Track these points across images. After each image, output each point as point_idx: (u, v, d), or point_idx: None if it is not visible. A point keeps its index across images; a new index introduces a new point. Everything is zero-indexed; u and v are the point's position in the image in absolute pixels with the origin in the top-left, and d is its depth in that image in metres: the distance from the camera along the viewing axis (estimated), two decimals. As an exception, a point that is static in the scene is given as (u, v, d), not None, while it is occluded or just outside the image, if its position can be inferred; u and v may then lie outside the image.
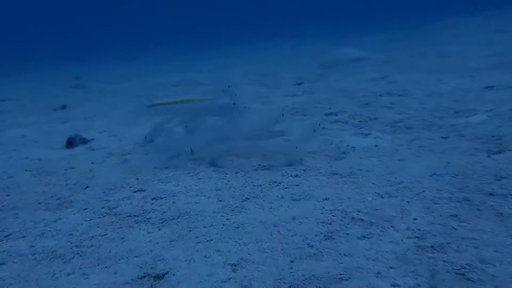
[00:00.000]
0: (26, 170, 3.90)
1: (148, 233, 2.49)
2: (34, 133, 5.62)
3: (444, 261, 1.88)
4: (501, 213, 2.23)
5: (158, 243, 2.36)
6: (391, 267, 1.90)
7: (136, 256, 2.23)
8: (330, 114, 4.97)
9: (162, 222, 2.60)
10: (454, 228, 2.12)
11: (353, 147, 3.79)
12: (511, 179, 2.61)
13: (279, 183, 3.08)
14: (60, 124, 6.16)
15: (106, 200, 2.97)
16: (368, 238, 2.16)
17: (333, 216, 2.45)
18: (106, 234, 2.50)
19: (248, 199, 2.83)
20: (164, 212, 2.72)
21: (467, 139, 3.48)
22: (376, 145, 3.77)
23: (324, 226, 2.34)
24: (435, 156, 3.25)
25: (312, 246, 2.16)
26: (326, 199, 2.70)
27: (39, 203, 3.04)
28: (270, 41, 19.24)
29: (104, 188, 3.22)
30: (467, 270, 1.80)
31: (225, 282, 1.94)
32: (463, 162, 2.95)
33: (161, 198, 2.93)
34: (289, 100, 6.11)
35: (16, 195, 3.27)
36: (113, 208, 2.84)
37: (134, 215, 2.71)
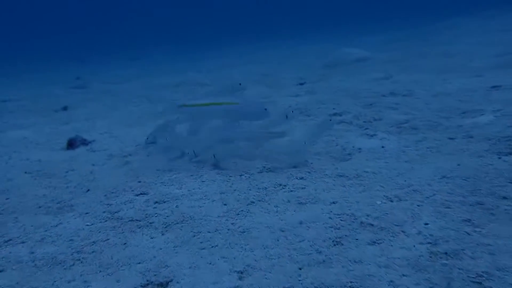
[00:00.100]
0: (26, 173, 3.84)
1: (151, 238, 2.42)
2: (35, 135, 5.56)
3: (459, 269, 1.81)
4: (515, 218, 2.16)
5: (161, 249, 2.29)
6: (403, 275, 1.83)
7: (139, 263, 2.17)
8: (334, 114, 4.90)
9: (165, 227, 2.53)
10: (468, 234, 2.05)
11: (359, 149, 3.72)
12: (524, 182, 2.54)
13: (285, 185, 3.02)
14: (61, 125, 6.10)
15: (108, 204, 2.91)
16: (378, 243, 2.09)
17: (341, 220, 2.38)
18: (108, 239, 2.44)
19: (253, 202, 2.76)
20: (167, 216, 2.65)
21: (476, 140, 3.41)
22: (383, 147, 3.70)
23: (332, 231, 2.27)
24: (443, 158, 3.17)
25: (320, 252, 2.09)
26: (333, 203, 2.63)
27: (39, 207, 2.98)
28: (270, 41, 19.18)
29: (105, 191, 3.16)
30: (484, 278, 1.73)
31: (231, 290, 1.87)
32: (474, 164, 2.88)
33: (164, 202, 2.86)
34: (292, 100, 6.04)
35: (16, 198, 3.21)
36: (115, 212, 2.77)
37: (137, 220, 2.65)
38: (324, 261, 2.01)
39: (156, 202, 2.88)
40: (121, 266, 2.15)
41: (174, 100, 7.26)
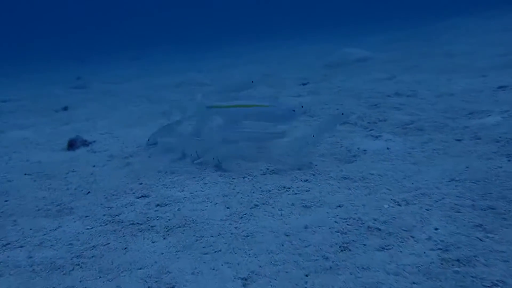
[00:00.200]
0: (26, 174, 3.78)
1: (153, 242, 2.36)
2: (35, 135, 5.51)
3: (473, 277, 1.75)
4: (528, 223, 2.09)
5: (163, 253, 2.23)
6: (414, 283, 1.77)
7: (140, 268, 2.10)
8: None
9: (167, 231, 2.47)
10: (480, 240, 1.99)
11: (364, 150, 3.66)
12: (535, 185, 2.47)
13: (289, 188, 2.95)
14: (61, 126, 6.04)
15: (108, 207, 2.85)
16: (387, 249, 2.03)
17: (348, 225, 2.31)
18: (108, 243, 2.38)
19: (257, 205, 2.69)
20: (169, 220, 2.59)
21: (484, 142, 3.34)
22: (388, 148, 3.64)
23: (339, 236, 2.21)
24: (451, 160, 3.11)
25: (327, 258, 2.02)
26: (339, 206, 2.57)
27: (39, 210, 2.92)
28: (270, 41, 19.11)
29: (106, 194, 3.10)
30: (499, 287, 1.67)
31: (235, 297, 1.81)
32: (483, 167, 2.81)
33: (166, 205, 2.80)
34: (294, 101, 5.97)
35: (15, 200, 3.15)
36: (116, 215, 2.71)
37: (138, 223, 2.58)
38: (331, 267, 1.94)
39: (158, 205, 2.82)
40: (122, 271, 2.09)
41: (174, 100, 7.22)
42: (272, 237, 2.28)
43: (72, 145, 4.61)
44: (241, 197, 2.83)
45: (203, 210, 2.70)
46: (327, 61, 9.80)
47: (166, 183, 3.20)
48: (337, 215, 2.44)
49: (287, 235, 2.28)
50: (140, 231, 2.49)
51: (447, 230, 2.10)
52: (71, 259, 2.23)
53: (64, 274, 2.11)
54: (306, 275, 1.91)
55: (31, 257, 2.27)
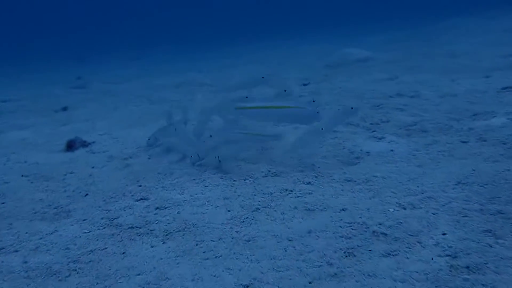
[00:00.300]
0: (23, 176, 3.72)
1: (151, 247, 2.30)
2: (34, 136, 5.45)
3: (483, 285, 1.68)
4: (539, 228, 2.03)
5: (162, 258, 2.17)
6: (422, 291, 1.71)
7: (138, 274, 2.04)
8: (341, 116, 4.77)
9: (166, 235, 2.41)
10: (490, 246, 1.92)
11: (367, 152, 3.60)
12: (544, 189, 2.41)
13: (291, 191, 2.89)
14: (60, 126, 5.99)
15: (107, 210, 2.78)
16: (393, 255, 1.97)
17: (352, 229, 2.25)
18: (106, 248, 2.31)
19: (259, 209, 2.63)
20: (169, 224, 2.53)
21: (490, 144, 3.28)
22: (392, 150, 3.57)
23: (343, 241, 2.14)
24: (457, 162, 3.04)
25: (331, 265, 1.96)
26: (343, 210, 2.50)
27: (35, 213, 2.85)
28: (270, 42, 19.04)
29: (104, 196, 3.03)
30: (511, 296, 1.61)
31: (237, 305, 1.75)
32: (490, 170, 2.75)
33: (165, 208, 2.74)
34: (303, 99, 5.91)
35: (12, 202, 3.09)
36: (114, 218, 2.65)
37: (136, 227, 2.52)
38: (335, 274, 1.88)
39: (157, 208, 2.75)
40: (120, 277, 2.03)
41: (174, 100, 7.16)
42: (275, 242, 2.22)
43: (71, 146, 4.55)
44: (243, 200, 2.77)
45: (203, 213, 2.63)
46: (328, 61, 9.74)
47: (166, 185, 3.14)
48: (341, 219, 2.38)
49: (290, 240, 2.22)
50: (139, 235, 2.43)
51: (455, 236, 2.04)
52: (68, 264, 2.17)
53: (60, 280, 2.05)
54: (310, 282, 1.85)
55: (26, 262, 2.21)
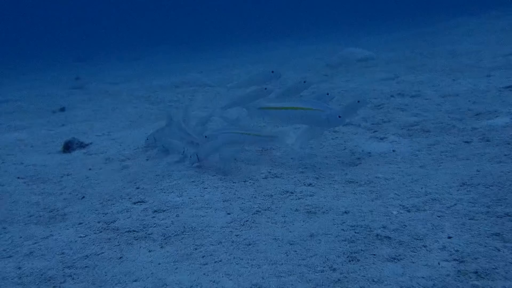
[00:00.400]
0: (19, 178, 3.65)
1: (149, 251, 2.24)
2: (31, 137, 5.39)
3: (493, 291, 1.62)
4: (547, 231, 1.97)
5: (160, 264, 2.11)
6: (429, 297, 1.65)
7: (135, 280, 1.98)
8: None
9: (164, 239, 2.35)
10: (498, 250, 1.86)
11: (369, 152, 3.54)
12: (551, 190, 2.35)
13: (292, 192, 2.83)
14: (58, 127, 5.92)
15: (103, 213, 2.72)
16: (398, 260, 1.91)
17: (355, 233, 2.19)
18: (102, 252, 2.25)
19: (259, 211, 2.57)
20: (167, 227, 2.46)
21: (494, 144, 3.22)
22: (393, 150, 3.52)
23: (346, 245, 2.08)
24: (460, 163, 2.99)
25: (334, 270, 1.90)
26: (345, 212, 2.44)
27: (30, 216, 2.79)
28: (270, 42, 18.98)
29: (101, 199, 2.97)
30: (522, 303, 1.54)
31: (237, 313, 1.69)
32: (495, 171, 2.69)
33: (164, 211, 2.68)
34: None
35: (7, 205, 3.02)
36: (111, 222, 2.58)
37: (134, 231, 2.46)
38: (339, 280, 1.82)
39: (155, 211, 2.69)
40: (116, 284, 1.96)
41: (174, 101, 7.10)
42: (276, 246, 2.16)
43: (68, 147, 4.48)
44: (242, 203, 2.71)
45: (202, 216, 2.57)
46: (329, 61, 9.68)
47: (164, 187, 3.07)
48: (344, 222, 2.32)
49: (292, 244, 2.16)
50: (136, 239, 2.36)
51: (462, 239, 1.98)
52: (63, 270, 2.11)
53: (54, 286, 1.98)
54: (313, 288, 1.79)
55: (19, 268, 2.14)
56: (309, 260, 1.99)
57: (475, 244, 1.92)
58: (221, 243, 2.24)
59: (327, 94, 3.67)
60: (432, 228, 2.12)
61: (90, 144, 4.57)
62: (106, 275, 2.04)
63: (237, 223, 2.44)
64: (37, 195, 3.21)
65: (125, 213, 2.70)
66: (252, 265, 2.01)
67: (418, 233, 2.09)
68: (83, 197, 3.07)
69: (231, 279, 1.91)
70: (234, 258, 2.09)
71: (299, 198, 2.73)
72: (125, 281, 1.98)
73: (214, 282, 1.90)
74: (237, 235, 2.31)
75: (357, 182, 2.93)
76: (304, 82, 3.83)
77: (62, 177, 3.61)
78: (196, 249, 2.21)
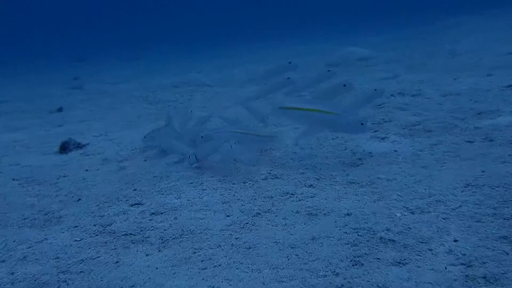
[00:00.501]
0: (14, 179, 3.59)
1: (146, 255, 2.18)
2: (27, 138, 5.32)
3: (503, 297, 1.57)
4: (557, 233, 1.91)
5: (157, 268, 2.05)
6: (436, 303, 1.59)
7: (132, 286, 1.92)
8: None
9: (162, 242, 2.29)
10: (507, 253, 1.80)
11: (370, 153, 3.48)
12: (558, 191, 2.29)
13: (292, 194, 2.77)
14: (55, 128, 5.87)
15: (100, 216, 2.66)
16: (403, 264, 1.85)
17: (358, 235, 2.13)
18: (98, 257, 2.19)
19: (259, 214, 2.51)
20: (165, 230, 2.40)
21: (498, 144, 3.16)
22: (395, 150, 3.46)
23: (349, 249, 2.02)
24: (464, 164, 2.93)
25: (338, 274, 1.84)
26: (347, 215, 2.38)
27: (25, 219, 2.72)
28: (269, 41, 18.92)
29: (97, 201, 2.91)
30: (533, 310, 1.49)
31: (237, 320, 1.63)
32: (501, 171, 2.63)
33: (161, 213, 2.61)
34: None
35: (1, 208, 2.96)
36: (107, 225, 2.52)
37: (131, 234, 2.40)
38: (342, 285, 1.76)
39: (153, 213, 2.63)
40: (112, 289, 1.90)
41: (173, 101, 7.04)
42: (277, 250, 2.10)
43: (64, 148, 4.42)
44: (242, 205, 2.65)
45: (201, 218, 2.51)
46: (329, 60, 9.62)
47: (162, 189, 3.01)
48: (346, 225, 2.26)
49: (293, 247, 2.10)
50: (133, 243, 2.30)
51: (468, 243, 1.92)
52: (57, 275, 2.05)
53: (48, 292, 1.92)
54: (315, 294, 1.73)
55: (13, 273, 2.08)
56: (311, 264, 1.93)
57: (483, 247, 1.86)
58: (220, 246, 2.18)
59: (344, 85, 3.61)
60: (437, 231, 2.06)
61: (87, 145, 4.51)
62: (102, 280, 1.98)
63: (237, 226, 2.38)
64: (32, 197, 3.15)
65: (122, 215, 2.63)
66: (252, 269, 1.95)
67: (423, 236, 2.04)
68: (79, 199, 3.01)
69: (231, 285, 1.85)
70: (234, 262, 2.03)
71: (300, 200, 2.67)
72: (121, 287, 1.91)
73: (213, 287, 1.84)
74: (237, 238, 2.25)
75: (358, 183, 2.87)
76: (329, 71, 3.76)
77: (58, 178, 3.54)
78: (194, 252, 2.15)
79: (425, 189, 2.57)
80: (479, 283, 1.64)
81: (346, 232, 2.18)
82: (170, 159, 3.68)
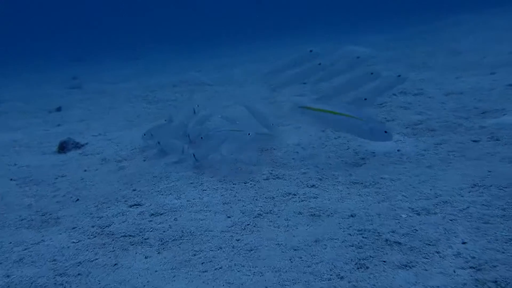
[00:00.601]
0: (12, 179, 3.53)
1: (146, 258, 2.12)
2: (26, 137, 5.27)
3: (515, 302, 1.51)
4: None
5: (156, 271, 1.99)
6: (446, 309, 1.53)
7: (131, 289, 1.86)
8: (344, 115, 4.60)
9: (162, 244, 2.23)
10: (517, 256, 1.75)
11: (373, 152, 3.43)
12: None
13: (294, 194, 2.72)
14: (53, 127, 5.81)
15: (98, 217, 2.60)
16: (410, 267, 1.79)
17: (363, 237, 2.07)
18: (96, 259, 2.13)
19: (261, 215, 2.46)
20: (164, 232, 2.35)
21: (504, 143, 3.11)
22: (398, 150, 3.40)
23: (354, 251, 1.97)
24: (470, 163, 2.87)
25: (342, 278, 1.78)
26: (351, 216, 2.33)
27: (22, 220, 2.67)
28: (269, 41, 18.84)
29: (96, 202, 2.85)
30: (547, 315, 1.43)
31: (239, 326, 1.57)
32: (509, 171, 2.58)
33: (161, 214, 2.56)
34: (297, 99, 5.74)
35: (-2, 209, 2.90)
36: (106, 226, 2.46)
37: (130, 235, 2.34)
38: (348, 289, 1.71)
39: (152, 214, 2.57)
40: (110, 293, 1.85)
41: (172, 100, 6.98)
42: (279, 252, 2.04)
43: (63, 147, 4.36)
44: (243, 205, 2.59)
45: (201, 220, 2.46)
46: (329, 59, 9.55)
47: (162, 189, 2.96)
48: (350, 226, 2.21)
49: (296, 250, 2.04)
50: (132, 245, 2.25)
51: (477, 245, 1.86)
52: (54, 278, 1.99)
53: (44, 296, 1.87)
54: (320, 298, 1.68)
55: (8, 276, 2.02)
56: (314, 267, 1.88)
57: (493, 250, 1.81)
58: (221, 248, 2.13)
59: (371, 73, 3.56)
60: (445, 233, 2.01)
61: (86, 145, 4.45)
62: (99, 283, 1.93)
63: (238, 227, 2.33)
64: (29, 197, 3.09)
65: (120, 216, 2.58)
66: (254, 272, 1.90)
67: (430, 238, 1.98)
68: (78, 199, 2.95)
69: (232, 288, 1.79)
70: (235, 265, 1.97)
71: (302, 201, 2.62)
72: (119, 290, 1.86)
73: (214, 291, 1.79)
74: (238, 240, 2.19)
75: (362, 183, 2.82)
76: (358, 57, 3.70)
77: (56, 178, 3.49)
78: (195, 255, 2.09)
79: (431, 190, 2.52)
80: None
81: (350, 234, 2.12)
82: (169, 159, 3.62)
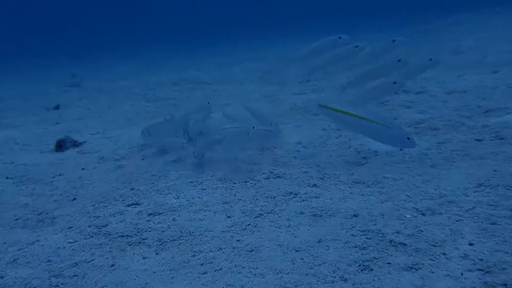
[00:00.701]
0: (8, 178, 3.47)
1: (143, 258, 2.07)
2: (24, 135, 5.20)
3: (525, 306, 1.46)
4: None
5: (155, 272, 1.94)
6: (453, 312, 1.48)
7: (128, 291, 1.81)
8: (345, 114, 4.54)
9: (160, 244, 2.18)
10: (527, 259, 1.70)
11: (375, 151, 3.37)
12: None
13: (296, 194, 2.66)
14: (51, 125, 5.74)
15: (95, 216, 2.54)
16: (416, 269, 1.74)
17: (367, 238, 2.02)
18: (92, 260, 2.08)
19: (261, 215, 2.40)
20: (163, 232, 2.29)
21: (508, 143, 3.05)
22: (401, 149, 3.35)
23: (357, 252, 1.92)
24: (474, 163, 2.82)
25: (346, 280, 1.73)
26: (354, 216, 2.27)
27: (17, 219, 2.61)
28: (268, 39, 18.80)
29: (93, 201, 2.80)
30: (560, 320, 1.38)
31: (239, 330, 1.52)
32: (514, 171, 2.53)
33: (159, 214, 2.50)
34: (297, 98, 5.69)
35: (-7, 208, 2.84)
36: (103, 226, 2.41)
37: (127, 235, 2.29)
38: (352, 292, 1.65)
39: (150, 214, 2.52)
40: (106, 295, 1.79)
41: (171, 98, 6.92)
42: (280, 253, 1.99)
43: (60, 146, 4.31)
44: (244, 205, 2.54)
45: (201, 220, 2.40)
46: (329, 58, 9.49)
47: (160, 188, 2.90)
48: (353, 227, 2.15)
49: (298, 251, 1.99)
50: (130, 245, 2.19)
51: (485, 247, 1.81)
52: (49, 279, 1.94)
53: (39, 298, 1.81)
54: (323, 301, 1.62)
55: (2, 277, 1.96)
56: (317, 269, 1.83)
57: (501, 252, 1.75)
58: (221, 249, 2.07)
59: (399, 60, 3.50)
60: (451, 234, 1.96)
61: (84, 143, 4.39)
62: (96, 285, 1.87)
63: (238, 227, 2.27)
64: (26, 196, 3.03)
65: (118, 216, 2.52)
66: (255, 274, 1.84)
67: (436, 239, 1.93)
68: (75, 198, 2.90)
69: (232, 291, 1.74)
70: (235, 266, 1.92)
71: (303, 200, 2.57)
72: (116, 293, 1.81)
73: (214, 294, 1.74)
74: (239, 241, 2.14)
75: (364, 183, 2.76)
76: (393, 41, 3.65)
77: (53, 177, 3.43)
78: (194, 256, 2.04)
79: (435, 189, 2.46)
80: (499, 291, 1.53)
81: (353, 235, 2.07)
82: (168, 158, 3.57)
